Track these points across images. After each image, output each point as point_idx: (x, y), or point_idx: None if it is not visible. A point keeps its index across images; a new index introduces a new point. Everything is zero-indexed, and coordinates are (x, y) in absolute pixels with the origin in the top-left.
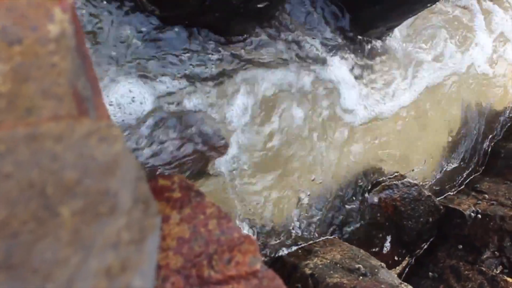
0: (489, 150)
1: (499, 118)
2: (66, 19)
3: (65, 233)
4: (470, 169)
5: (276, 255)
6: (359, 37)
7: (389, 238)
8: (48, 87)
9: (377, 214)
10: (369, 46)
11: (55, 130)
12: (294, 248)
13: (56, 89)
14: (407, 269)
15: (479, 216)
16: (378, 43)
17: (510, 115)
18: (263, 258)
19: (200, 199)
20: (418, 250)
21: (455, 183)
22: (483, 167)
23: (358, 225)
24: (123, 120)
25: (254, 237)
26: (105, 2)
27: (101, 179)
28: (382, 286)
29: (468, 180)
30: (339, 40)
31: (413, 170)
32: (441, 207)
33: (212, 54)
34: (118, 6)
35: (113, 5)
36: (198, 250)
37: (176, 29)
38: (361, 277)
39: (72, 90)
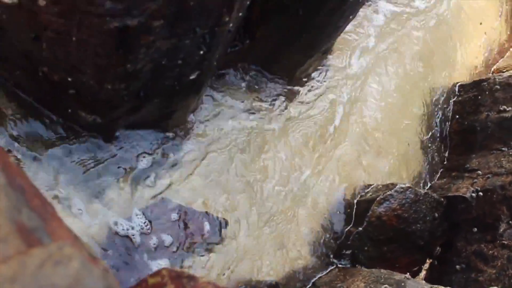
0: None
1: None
2: None
3: None
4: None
5: None
6: (297, 73)
7: (402, 248)
8: None
9: (382, 229)
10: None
11: (7, 272)
12: None
13: None
14: (433, 272)
15: (481, 194)
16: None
17: (461, 91)
18: None
19: (194, 283)
20: (436, 249)
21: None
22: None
23: (367, 247)
24: None
25: None
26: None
27: None
28: None
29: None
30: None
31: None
32: (442, 199)
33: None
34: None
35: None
36: None
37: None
38: None
39: (16, 226)
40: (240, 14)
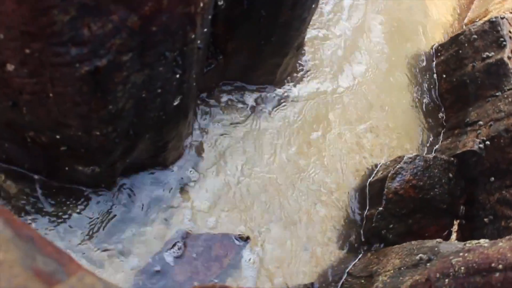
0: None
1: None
2: None
3: None
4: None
5: None
6: (277, 76)
7: (427, 216)
8: (9, 284)
9: (402, 203)
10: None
11: None
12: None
13: (17, 280)
14: (463, 231)
15: (488, 143)
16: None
17: (442, 51)
18: None
19: None
20: (460, 209)
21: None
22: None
23: (392, 224)
24: None
25: None
26: None
27: None
28: (451, 257)
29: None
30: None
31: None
32: (452, 159)
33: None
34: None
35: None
36: None
37: None
38: (428, 264)
39: (33, 273)
40: (205, 29)
